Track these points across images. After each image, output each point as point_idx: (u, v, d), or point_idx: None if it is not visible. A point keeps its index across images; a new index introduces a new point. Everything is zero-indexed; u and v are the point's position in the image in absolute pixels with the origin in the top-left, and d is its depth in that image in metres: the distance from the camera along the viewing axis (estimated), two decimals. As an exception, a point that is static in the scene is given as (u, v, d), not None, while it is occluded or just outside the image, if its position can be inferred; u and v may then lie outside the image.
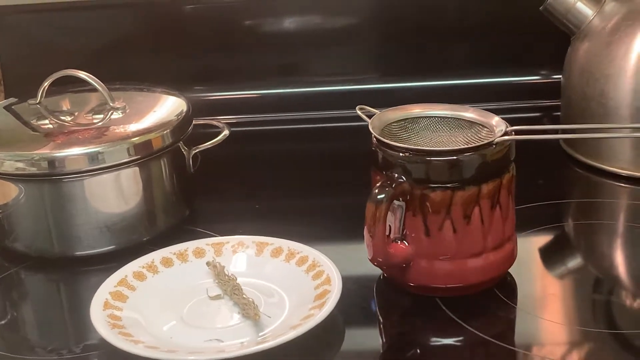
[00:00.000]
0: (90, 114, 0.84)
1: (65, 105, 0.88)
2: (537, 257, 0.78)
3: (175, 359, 0.63)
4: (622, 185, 0.88)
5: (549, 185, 0.91)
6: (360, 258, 0.70)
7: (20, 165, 0.77)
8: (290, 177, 0.95)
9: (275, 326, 0.66)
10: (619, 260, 0.79)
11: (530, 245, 0.78)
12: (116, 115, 0.83)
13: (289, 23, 1.09)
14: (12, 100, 0.90)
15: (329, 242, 0.80)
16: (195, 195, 0.87)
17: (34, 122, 0.84)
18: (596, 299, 0.72)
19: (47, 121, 0.84)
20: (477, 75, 1.08)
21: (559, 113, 0.98)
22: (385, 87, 1.10)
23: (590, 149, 0.91)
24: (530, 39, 1.07)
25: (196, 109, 0.87)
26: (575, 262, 0.79)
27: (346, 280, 0.68)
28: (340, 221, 0.83)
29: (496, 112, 0.71)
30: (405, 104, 0.73)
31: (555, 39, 0.96)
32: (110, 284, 0.71)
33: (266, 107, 1.10)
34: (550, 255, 0.78)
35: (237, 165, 0.98)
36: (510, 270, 0.71)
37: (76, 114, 0.85)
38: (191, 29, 1.09)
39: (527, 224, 0.78)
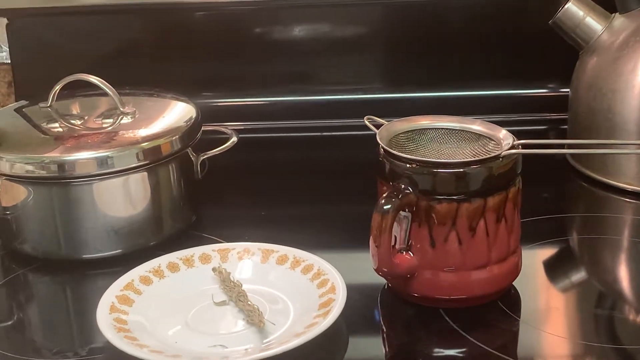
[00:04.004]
0: (100, 119, 0.85)
1: (76, 109, 0.88)
2: (541, 270, 0.78)
3: (180, 364, 0.63)
4: (628, 200, 0.89)
5: (555, 198, 0.92)
6: (365, 267, 0.70)
7: (29, 167, 0.77)
8: (297, 185, 0.96)
9: (279, 333, 0.67)
10: (623, 275, 0.79)
11: (535, 259, 0.78)
12: (126, 120, 0.83)
13: (298, 31, 1.09)
14: (22, 102, 0.91)
15: (335, 250, 0.80)
16: (202, 201, 0.87)
17: (44, 125, 0.84)
18: (599, 314, 0.72)
19: (57, 124, 0.84)
20: (485, 88, 1.08)
21: (566, 126, 0.99)
22: (393, 97, 1.10)
23: (597, 164, 0.92)
24: (538, 52, 1.07)
25: (205, 115, 0.88)
26: (579, 276, 0.79)
27: (351, 289, 0.69)
28: (346, 230, 0.83)
29: (503, 124, 0.71)
30: (413, 115, 0.73)
31: (564, 53, 0.96)
32: (116, 287, 0.71)
33: (274, 115, 1.10)
34: (555, 269, 0.78)
35: (244, 171, 0.99)
36: (514, 283, 0.72)
37: (86, 118, 0.86)
38: (201, 35, 1.10)
39: (532, 237, 0.78)
